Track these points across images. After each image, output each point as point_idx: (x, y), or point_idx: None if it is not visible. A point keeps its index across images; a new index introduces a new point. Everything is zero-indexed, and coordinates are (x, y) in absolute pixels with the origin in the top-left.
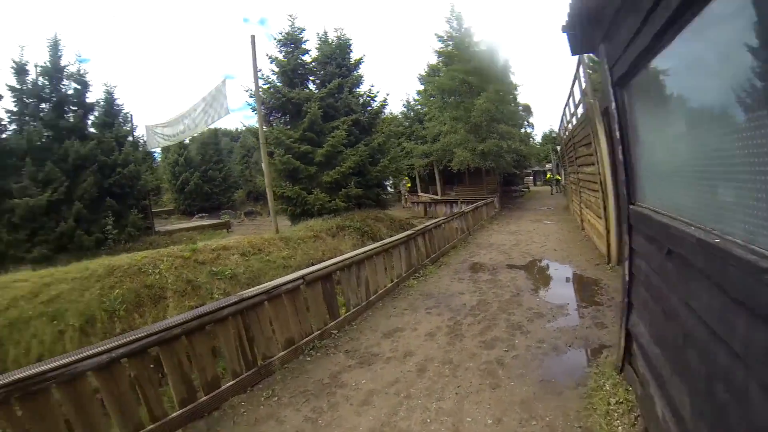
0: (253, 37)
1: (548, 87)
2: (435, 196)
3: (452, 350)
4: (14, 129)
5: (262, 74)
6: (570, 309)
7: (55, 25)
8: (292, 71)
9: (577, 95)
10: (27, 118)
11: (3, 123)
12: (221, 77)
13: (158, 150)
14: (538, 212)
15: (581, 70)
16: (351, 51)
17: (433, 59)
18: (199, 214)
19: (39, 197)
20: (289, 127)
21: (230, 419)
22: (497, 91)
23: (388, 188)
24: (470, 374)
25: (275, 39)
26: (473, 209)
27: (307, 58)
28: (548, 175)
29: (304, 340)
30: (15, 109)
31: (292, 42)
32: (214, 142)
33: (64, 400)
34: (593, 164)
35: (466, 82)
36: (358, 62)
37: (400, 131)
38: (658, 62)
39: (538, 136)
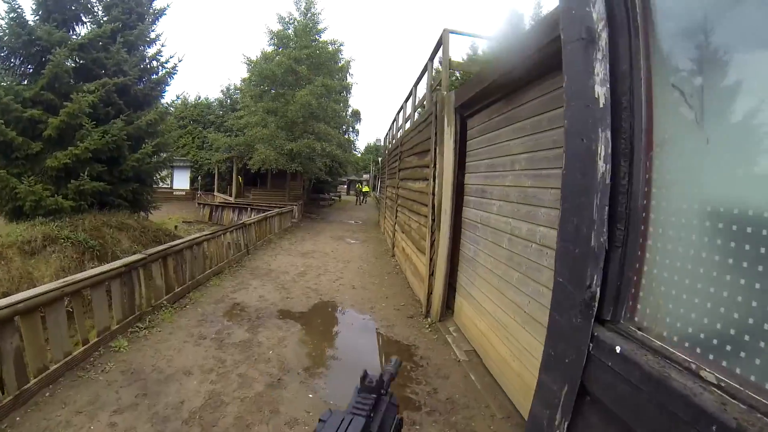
0: None
1: (385, 102)
2: (228, 198)
3: None
4: None
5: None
6: None
7: None
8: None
9: (421, 91)
10: None
11: None
12: None
13: None
14: (344, 226)
15: (440, 53)
16: None
17: (269, 47)
18: None
19: None
20: (27, 81)
21: None
22: (325, 86)
23: (160, 182)
24: None
25: None
26: (259, 219)
27: None
28: (358, 185)
29: None
30: None
31: None
32: None
33: None
34: (425, 180)
35: (294, 72)
36: (159, 13)
37: (209, 120)
38: None
39: (362, 144)
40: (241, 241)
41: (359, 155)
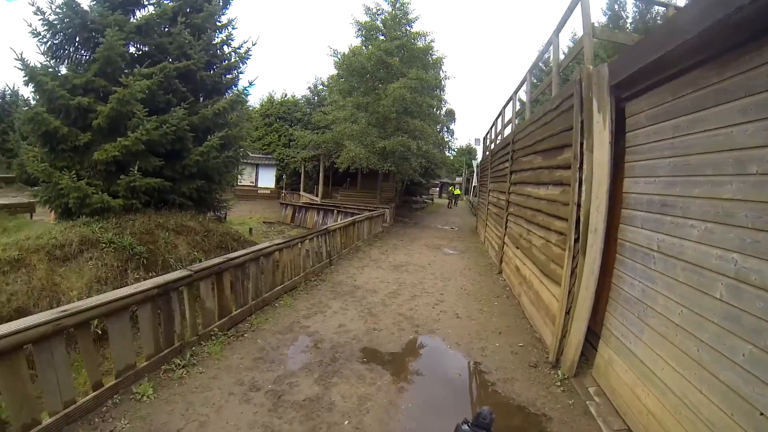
0: None
1: (479, 104)
2: (314, 199)
3: None
4: None
5: None
6: None
7: None
8: None
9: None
10: None
11: None
12: None
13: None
14: (439, 232)
15: (579, 7)
16: None
17: (356, 39)
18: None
19: None
20: (81, 69)
21: None
22: (419, 78)
23: (235, 180)
24: None
25: None
26: (346, 225)
27: None
28: (450, 188)
29: None
30: None
31: None
32: None
33: None
34: (558, 184)
35: (386, 64)
36: None
37: (296, 117)
38: None
39: (455, 145)
40: (323, 249)
41: (452, 157)
